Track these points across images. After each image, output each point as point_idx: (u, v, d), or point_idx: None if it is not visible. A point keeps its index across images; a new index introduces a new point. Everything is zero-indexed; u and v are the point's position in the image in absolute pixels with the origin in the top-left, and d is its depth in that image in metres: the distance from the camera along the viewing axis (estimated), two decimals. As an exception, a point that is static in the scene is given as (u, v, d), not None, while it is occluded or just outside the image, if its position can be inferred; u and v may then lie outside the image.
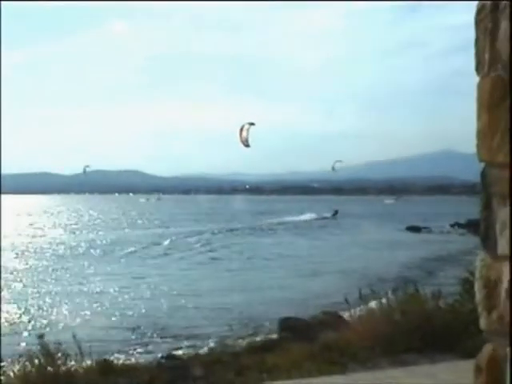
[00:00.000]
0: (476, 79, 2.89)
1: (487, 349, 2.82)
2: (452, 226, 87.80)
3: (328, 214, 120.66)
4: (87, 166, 54.00)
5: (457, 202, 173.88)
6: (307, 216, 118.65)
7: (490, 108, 2.77)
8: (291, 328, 17.79)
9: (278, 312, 22.17)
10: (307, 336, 14.42)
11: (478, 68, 2.86)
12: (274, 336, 17.94)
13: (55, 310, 30.09)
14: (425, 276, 36.76)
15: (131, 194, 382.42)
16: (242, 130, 26.10)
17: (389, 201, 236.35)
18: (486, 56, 2.78)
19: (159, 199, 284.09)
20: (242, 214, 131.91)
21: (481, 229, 2.84)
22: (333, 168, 46.45)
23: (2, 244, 57.68)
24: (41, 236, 79.35)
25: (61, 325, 25.87)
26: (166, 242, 69.24)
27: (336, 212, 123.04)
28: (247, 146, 26.34)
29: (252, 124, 26.40)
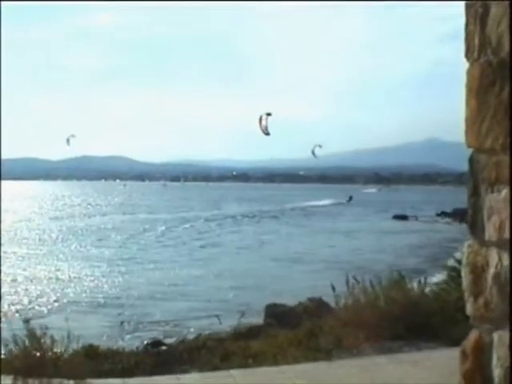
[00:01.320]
0: (463, 68, 2.88)
1: (473, 335, 2.82)
2: (438, 214, 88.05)
3: (344, 200, 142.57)
4: (72, 136, 50.36)
5: (443, 191, 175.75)
6: (326, 201, 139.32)
7: (479, 93, 2.76)
8: (276, 314, 17.79)
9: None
10: (292, 322, 14.41)
11: (468, 53, 2.83)
12: (260, 322, 17.92)
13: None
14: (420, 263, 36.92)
15: (118, 181, 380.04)
16: (260, 119, 27.29)
17: (370, 190, 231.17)
18: (476, 41, 2.76)
19: (165, 185, 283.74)
20: (253, 200, 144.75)
21: (468, 215, 2.84)
22: (313, 153, 44.90)
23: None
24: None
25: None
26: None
27: (351, 198, 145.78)
28: (267, 134, 27.61)
29: (269, 114, 27.57)
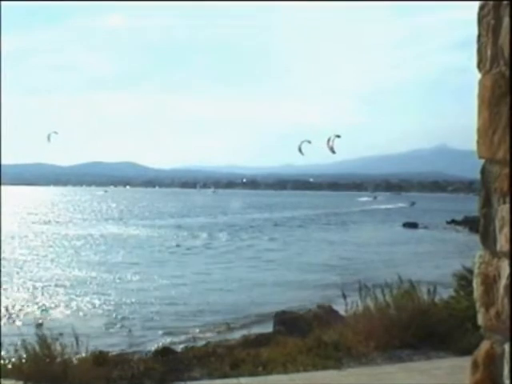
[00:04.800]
0: (474, 76, 2.88)
1: (484, 345, 2.82)
2: (448, 222, 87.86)
3: (406, 205, 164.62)
4: (54, 133, 48.64)
5: (453, 199, 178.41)
6: (391, 205, 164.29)
7: (491, 105, 2.76)
8: (286, 322, 17.77)
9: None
10: (302, 330, 14.39)
11: (480, 65, 2.84)
12: (269, 330, 17.90)
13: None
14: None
15: (128, 187, 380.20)
16: (329, 140, 29.66)
17: (364, 198, 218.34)
18: (488, 53, 2.76)
19: (215, 192, 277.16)
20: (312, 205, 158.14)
21: (480, 225, 2.83)
22: (299, 150, 42.00)
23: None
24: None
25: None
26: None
27: (413, 203, 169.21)
28: (333, 152, 29.95)
29: (338, 136, 29.71)
